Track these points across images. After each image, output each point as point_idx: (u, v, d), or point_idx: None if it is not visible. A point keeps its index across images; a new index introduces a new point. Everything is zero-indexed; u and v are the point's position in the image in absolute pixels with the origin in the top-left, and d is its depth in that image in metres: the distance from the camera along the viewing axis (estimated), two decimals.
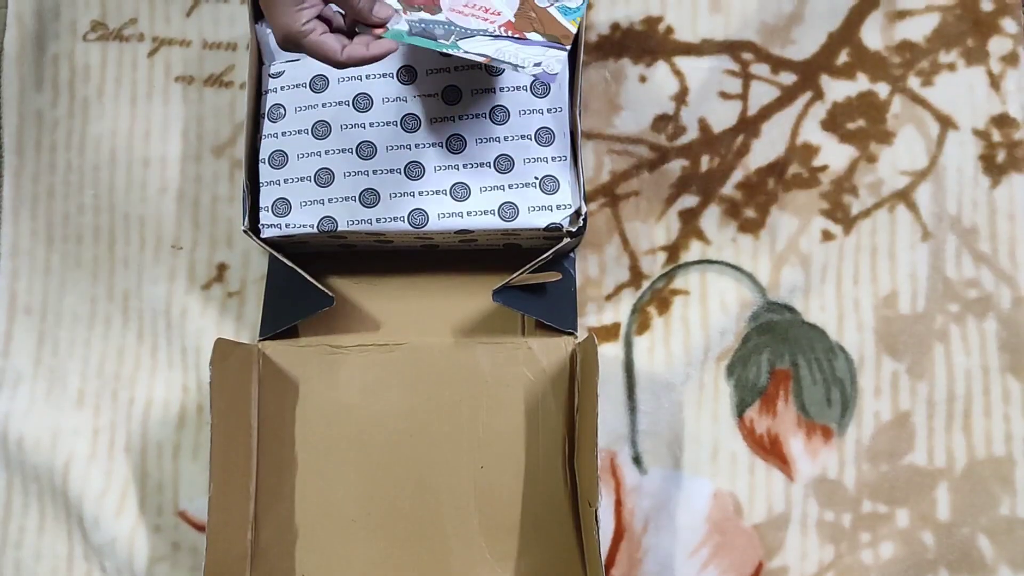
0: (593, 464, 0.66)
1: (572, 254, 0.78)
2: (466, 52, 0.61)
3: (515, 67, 0.61)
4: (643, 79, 0.81)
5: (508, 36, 0.63)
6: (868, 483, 0.75)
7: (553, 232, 0.71)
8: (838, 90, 0.80)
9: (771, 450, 0.76)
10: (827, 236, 0.78)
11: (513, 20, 0.65)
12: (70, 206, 0.81)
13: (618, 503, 0.76)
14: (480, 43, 0.62)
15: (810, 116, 0.80)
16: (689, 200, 0.79)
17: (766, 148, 0.79)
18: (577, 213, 0.72)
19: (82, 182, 0.81)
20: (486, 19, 0.64)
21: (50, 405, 0.78)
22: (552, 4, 0.66)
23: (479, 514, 0.74)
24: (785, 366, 0.77)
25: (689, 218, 0.79)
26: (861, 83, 0.80)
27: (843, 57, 0.80)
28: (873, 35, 0.80)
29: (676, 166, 0.80)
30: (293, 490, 0.74)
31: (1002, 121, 0.79)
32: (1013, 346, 0.77)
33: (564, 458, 0.74)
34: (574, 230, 0.72)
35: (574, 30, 0.65)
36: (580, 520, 0.72)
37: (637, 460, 0.76)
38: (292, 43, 0.59)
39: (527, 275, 0.72)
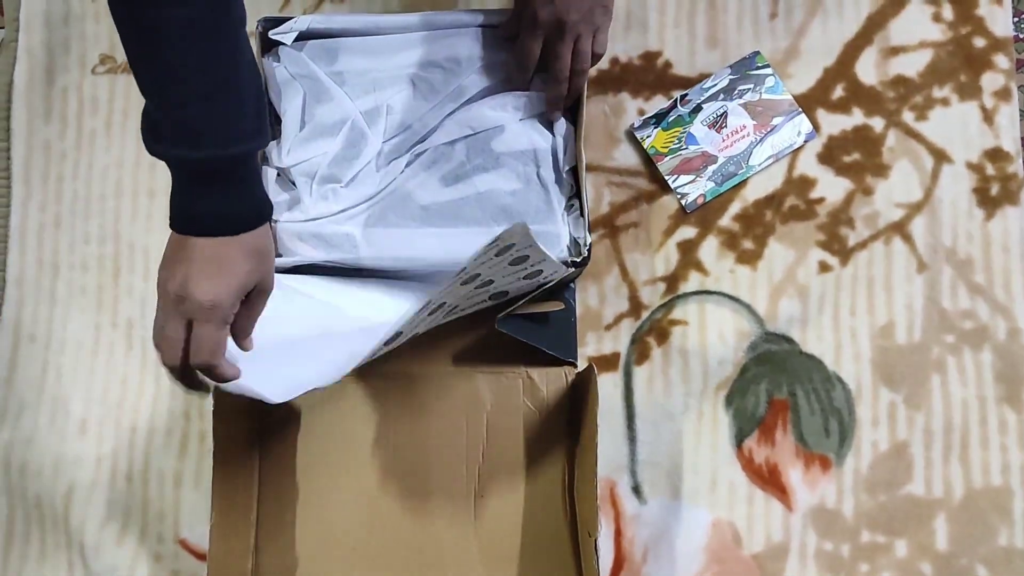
0: (593, 494, 0.66)
1: (572, 284, 0.78)
2: (759, 165, 0.79)
3: (791, 148, 0.79)
4: (642, 112, 0.82)
5: (765, 134, 0.80)
6: (866, 513, 0.76)
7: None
8: (834, 124, 0.81)
9: (770, 480, 0.76)
10: (824, 267, 0.79)
11: (756, 122, 0.80)
12: (76, 235, 0.82)
13: (618, 532, 0.76)
14: (759, 153, 0.79)
15: (807, 149, 0.81)
16: (688, 231, 0.80)
17: (764, 180, 0.80)
18: (581, 244, 0.72)
19: (88, 212, 0.82)
20: (744, 136, 0.80)
21: (53, 433, 0.79)
22: (759, 93, 0.80)
23: (479, 543, 0.74)
24: (783, 396, 0.77)
25: (688, 249, 0.80)
26: (856, 117, 0.81)
27: (838, 92, 0.82)
28: (868, 70, 0.82)
29: (674, 198, 0.81)
30: (294, 518, 0.75)
31: (995, 155, 0.80)
32: (1009, 377, 0.77)
33: (564, 487, 0.75)
34: (579, 260, 0.72)
35: (790, 96, 0.80)
36: (580, 549, 0.72)
37: (636, 490, 0.76)
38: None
39: (529, 304, 0.73)
